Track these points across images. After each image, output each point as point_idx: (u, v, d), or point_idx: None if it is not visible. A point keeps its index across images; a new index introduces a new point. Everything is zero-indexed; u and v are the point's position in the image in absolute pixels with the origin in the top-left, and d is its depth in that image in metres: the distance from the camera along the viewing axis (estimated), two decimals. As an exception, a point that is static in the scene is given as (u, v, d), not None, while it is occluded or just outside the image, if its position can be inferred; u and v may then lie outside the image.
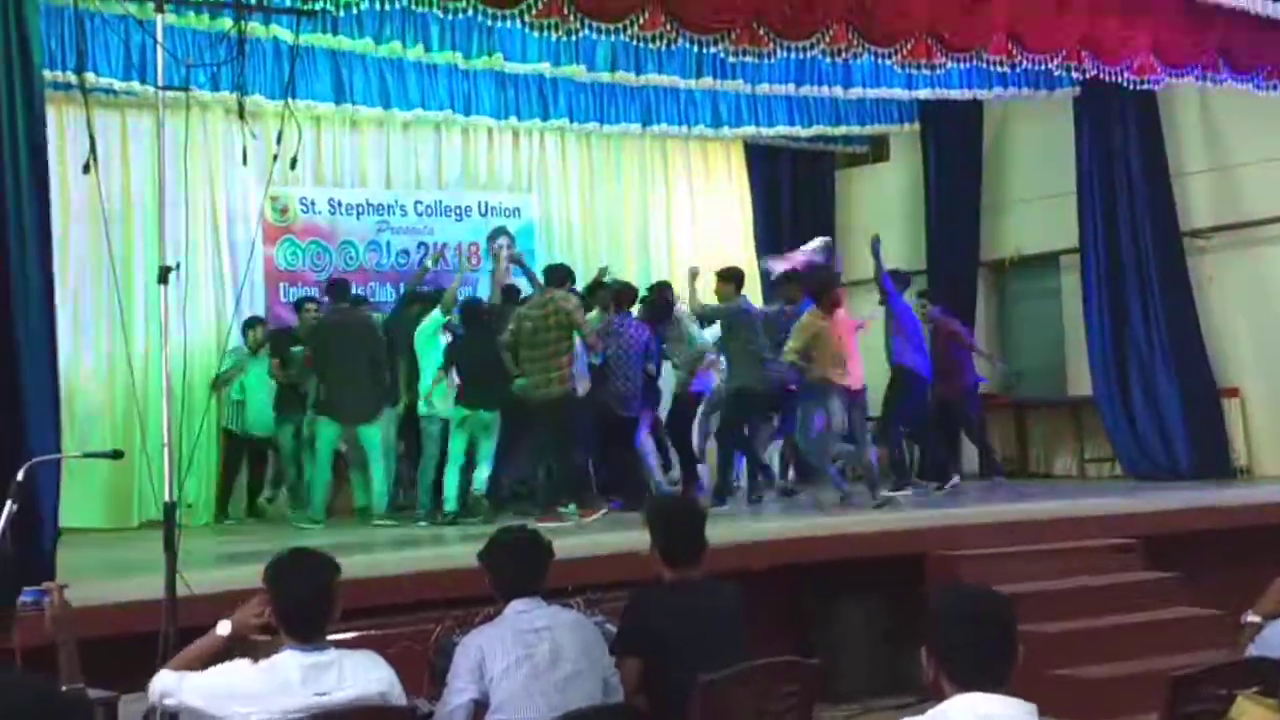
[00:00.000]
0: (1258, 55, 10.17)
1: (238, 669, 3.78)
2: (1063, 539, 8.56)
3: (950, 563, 7.82)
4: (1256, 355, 11.27)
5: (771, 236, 13.90)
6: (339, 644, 3.94)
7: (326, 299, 10.42)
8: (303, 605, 3.86)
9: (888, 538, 8.30)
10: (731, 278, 10.33)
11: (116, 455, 6.22)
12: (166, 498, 5.60)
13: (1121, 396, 11.60)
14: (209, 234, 11.04)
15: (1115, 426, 11.70)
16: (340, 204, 11.91)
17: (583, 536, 7.79)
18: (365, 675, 3.84)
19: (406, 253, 12.03)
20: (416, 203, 12.22)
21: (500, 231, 12.37)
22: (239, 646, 4.00)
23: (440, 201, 12.29)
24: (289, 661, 3.77)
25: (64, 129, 9.93)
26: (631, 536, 6.57)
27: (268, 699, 3.68)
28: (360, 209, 11.99)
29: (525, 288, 10.66)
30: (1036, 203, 12.79)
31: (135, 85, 9.76)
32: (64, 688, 3.82)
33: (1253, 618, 4.92)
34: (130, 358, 8.58)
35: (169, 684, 3.85)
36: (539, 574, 4.42)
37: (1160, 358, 11.42)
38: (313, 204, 11.78)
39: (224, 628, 4.01)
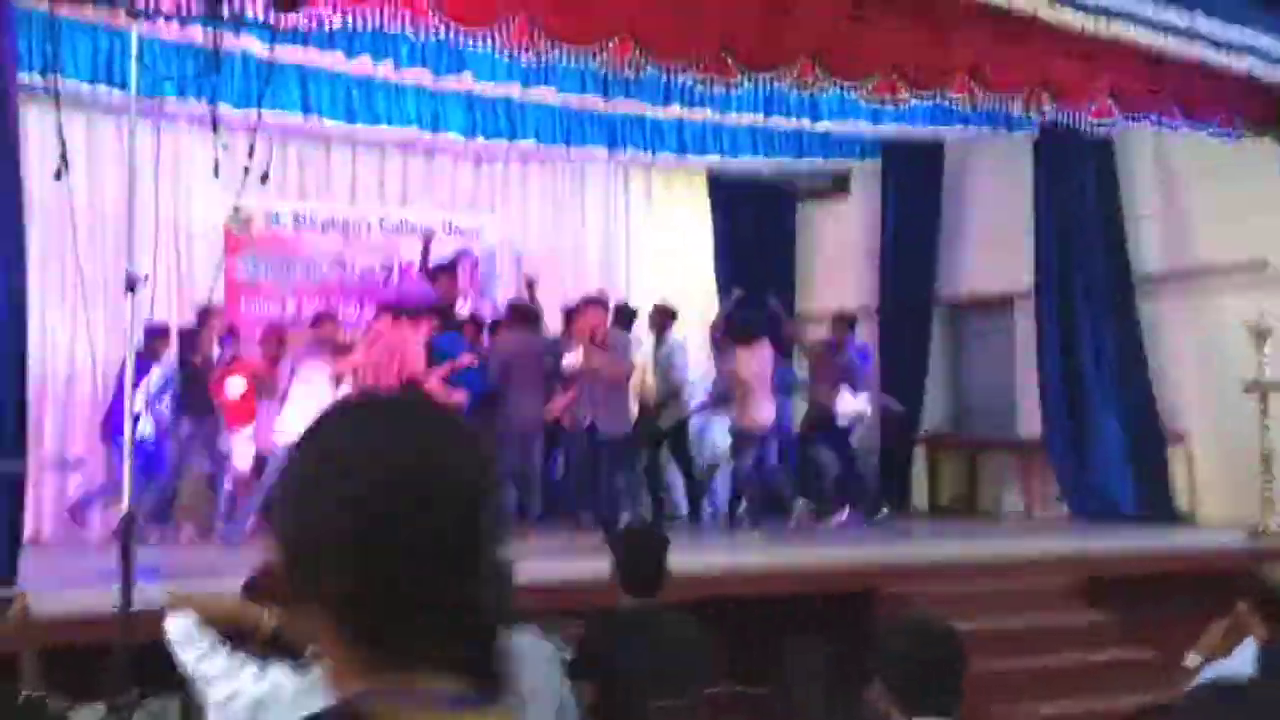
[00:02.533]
0: (1213, 104, 10.37)
1: (244, 683, 3.81)
2: (1009, 579, 8.66)
3: (900, 600, 7.89)
4: (1203, 401, 11.44)
5: (732, 267, 13.99)
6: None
7: None
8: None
9: (839, 575, 8.37)
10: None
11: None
12: (124, 508, 5.59)
13: (1070, 438, 11.74)
14: (169, 243, 10.98)
15: (1063, 467, 11.84)
16: (304, 218, 11.89)
17: (540, 561, 7.80)
18: None
19: (370, 270, 12.01)
20: (381, 220, 12.22)
21: (464, 253, 12.40)
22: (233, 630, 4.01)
23: (405, 220, 12.29)
24: (284, 684, 3.80)
25: (27, 131, 9.85)
26: (591, 565, 6.62)
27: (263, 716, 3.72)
28: (325, 224, 11.98)
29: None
30: (993, 243, 12.94)
31: (102, 90, 9.73)
32: (24, 695, 3.83)
33: (1192, 659, 5.01)
34: (95, 366, 8.54)
35: (215, 665, 3.83)
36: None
37: (1109, 401, 11.57)
38: (277, 217, 11.75)
39: (271, 621, 3.94)
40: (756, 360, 10.45)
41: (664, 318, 11.27)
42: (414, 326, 9.52)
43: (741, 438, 10.46)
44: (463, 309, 11.39)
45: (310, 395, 9.25)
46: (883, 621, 7.42)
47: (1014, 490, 12.86)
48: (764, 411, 10.36)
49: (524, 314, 10.59)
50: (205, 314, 10.13)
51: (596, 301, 10.23)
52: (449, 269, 11.35)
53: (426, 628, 1.23)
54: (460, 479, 1.24)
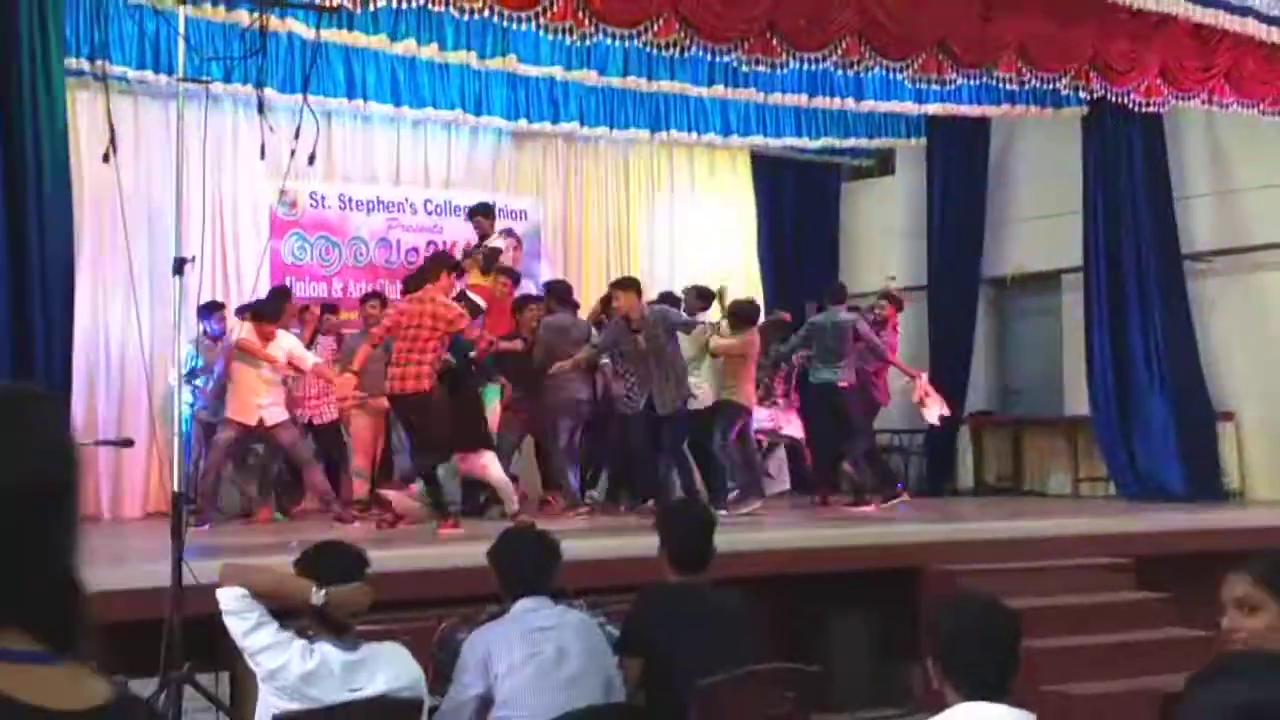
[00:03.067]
0: (1264, 81, 10.26)
1: (293, 655, 3.90)
2: (1057, 557, 8.62)
3: (946, 577, 7.87)
4: (1253, 380, 11.33)
5: (776, 246, 13.99)
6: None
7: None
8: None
9: (885, 551, 8.36)
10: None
11: (127, 444, 6.29)
12: (175, 487, 5.67)
13: (1118, 417, 11.64)
14: (215, 226, 11.08)
15: (1110, 447, 11.75)
16: (350, 200, 11.96)
17: (588, 540, 7.84)
18: (393, 671, 3.96)
19: (416, 250, 12.06)
20: (426, 201, 12.28)
21: (507, 233, 12.41)
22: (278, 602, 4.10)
23: (449, 200, 12.33)
24: (331, 658, 3.87)
25: (77, 115, 9.97)
26: (637, 541, 6.66)
27: (309, 691, 3.83)
28: (370, 205, 12.04)
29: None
30: (1039, 221, 12.85)
31: (149, 75, 9.82)
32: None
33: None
34: (143, 348, 8.62)
35: (263, 638, 3.94)
36: (547, 574, 4.48)
37: (1157, 380, 11.47)
38: (322, 199, 11.82)
39: (318, 598, 4.00)
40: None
41: (702, 300, 11.23)
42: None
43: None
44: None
45: None
46: (932, 598, 7.43)
47: (1061, 469, 12.80)
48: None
49: (563, 293, 10.57)
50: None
51: (629, 283, 10.07)
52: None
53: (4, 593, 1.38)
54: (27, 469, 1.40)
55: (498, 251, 10.70)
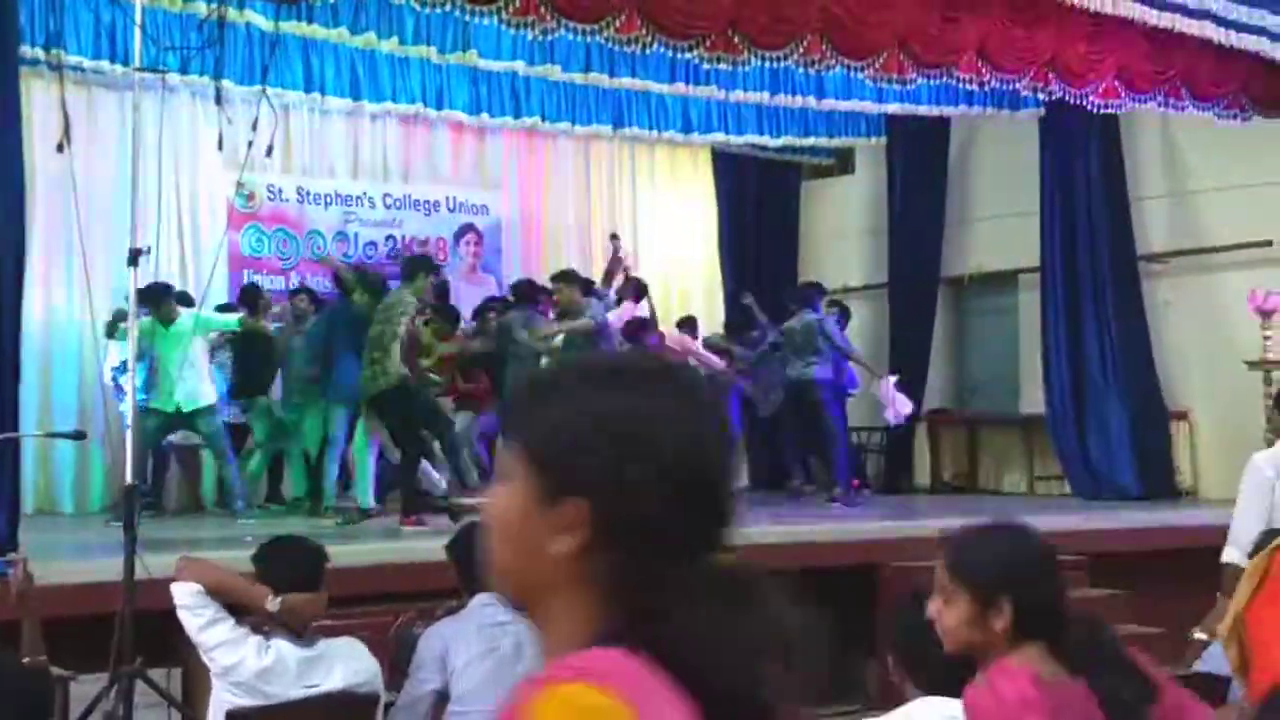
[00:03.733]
0: (1219, 84, 10.35)
1: (248, 652, 3.86)
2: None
3: (903, 575, 7.90)
4: (1206, 380, 11.45)
5: (736, 244, 14.00)
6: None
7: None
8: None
9: (841, 548, 8.38)
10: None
11: (79, 436, 6.22)
12: (127, 479, 5.61)
13: (1073, 416, 11.75)
14: (171, 217, 11.00)
15: (1065, 446, 11.85)
16: (308, 193, 11.88)
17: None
18: (350, 666, 3.94)
19: (374, 245, 12.01)
20: (385, 195, 12.22)
21: (467, 228, 12.40)
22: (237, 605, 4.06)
23: (409, 195, 12.29)
24: (287, 654, 3.85)
25: (31, 105, 9.85)
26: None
27: (265, 688, 3.80)
28: (328, 199, 11.97)
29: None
30: (998, 221, 12.93)
31: (105, 64, 9.72)
32: (26, 660, 3.84)
33: (1200, 635, 5.01)
34: (96, 340, 8.54)
35: (218, 634, 3.90)
36: None
37: (1112, 379, 11.58)
38: (280, 192, 11.74)
39: (274, 604, 3.96)
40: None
41: (637, 291, 11.22)
42: None
43: None
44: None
45: None
46: (889, 596, 7.45)
47: (1016, 468, 12.89)
48: None
49: (521, 292, 10.51)
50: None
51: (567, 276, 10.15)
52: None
53: None
54: None
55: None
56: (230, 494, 9.48)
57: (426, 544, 6.51)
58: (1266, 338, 10.50)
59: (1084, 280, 11.69)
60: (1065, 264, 11.79)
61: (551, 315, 10.25)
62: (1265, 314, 10.47)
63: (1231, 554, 5.25)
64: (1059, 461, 12.04)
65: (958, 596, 2.57)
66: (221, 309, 10.22)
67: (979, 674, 2.56)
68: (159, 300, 8.85)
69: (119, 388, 9.39)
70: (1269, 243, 10.87)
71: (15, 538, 6.16)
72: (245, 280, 11.30)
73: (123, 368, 9.43)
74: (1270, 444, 6.00)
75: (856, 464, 11.96)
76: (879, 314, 13.25)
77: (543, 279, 11.38)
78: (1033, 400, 12.43)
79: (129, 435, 5.81)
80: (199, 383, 9.10)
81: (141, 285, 7.70)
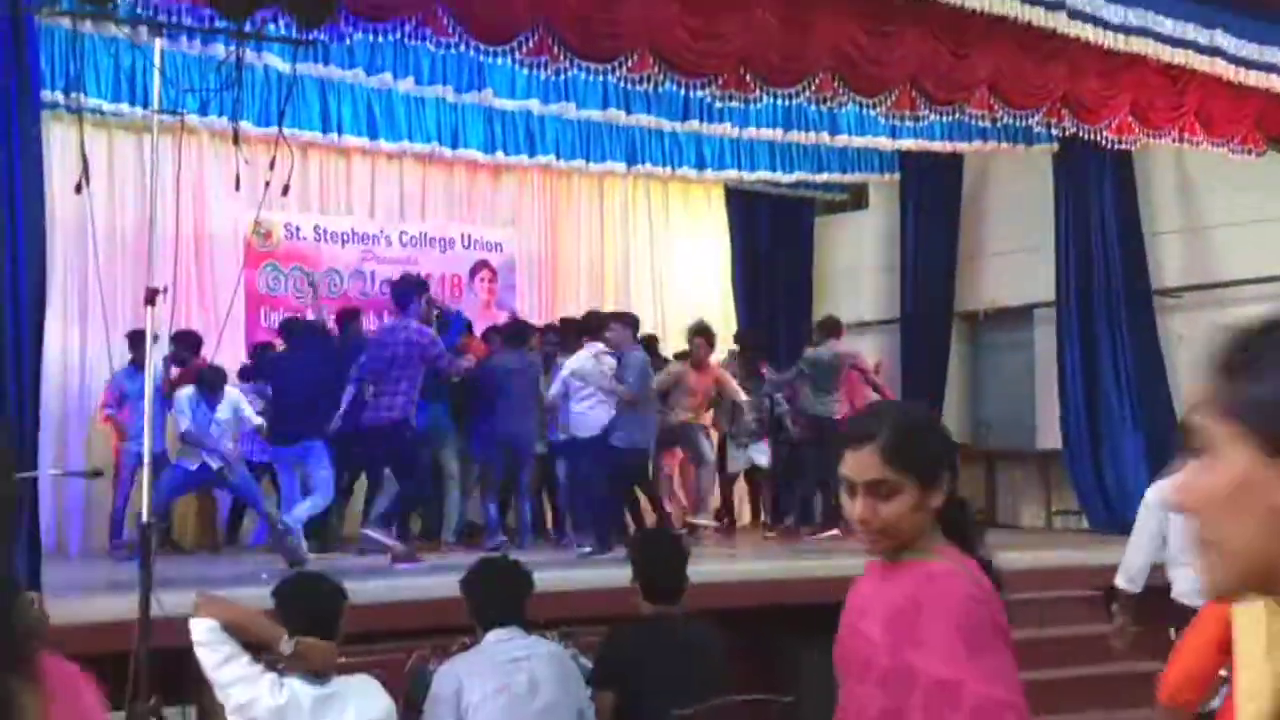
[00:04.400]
0: (1232, 119, 10.37)
1: (263, 690, 3.86)
2: (1030, 590, 8.63)
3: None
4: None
5: (750, 279, 14.04)
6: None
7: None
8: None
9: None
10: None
11: (95, 474, 6.25)
12: (144, 517, 5.64)
13: (1090, 450, 11.72)
14: (190, 256, 11.09)
15: (1082, 480, 11.81)
16: (325, 231, 11.96)
17: (559, 571, 7.82)
18: (364, 703, 3.94)
19: (390, 282, 12.06)
20: (401, 233, 12.29)
21: (482, 265, 12.45)
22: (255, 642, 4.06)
23: (425, 233, 12.35)
24: (301, 693, 3.85)
25: (50, 147, 9.95)
26: (608, 573, 6.65)
27: None
28: (345, 237, 12.04)
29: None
30: (1012, 255, 12.94)
31: (124, 107, 9.83)
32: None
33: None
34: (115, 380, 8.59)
35: (233, 671, 3.91)
36: (519, 604, 4.47)
37: (1129, 413, 11.55)
38: (297, 230, 11.82)
39: (288, 647, 3.97)
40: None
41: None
42: None
43: None
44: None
45: None
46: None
47: (1034, 502, 12.84)
48: None
49: (516, 332, 10.53)
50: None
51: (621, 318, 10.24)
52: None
53: None
54: None
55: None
56: (282, 537, 8.85)
57: (441, 580, 6.51)
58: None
59: (1099, 315, 11.68)
60: (1080, 298, 11.79)
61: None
62: None
63: (1120, 580, 6.05)
64: (1076, 496, 12.00)
65: (907, 486, 2.56)
66: (262, 348, 10.24)
67: (911, 557, 2.59)
68: (216, 387, 8.93)
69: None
70: (1284, 277, 10.85)
71: (39, 577, 6.19)
72: (263, 319, 11.38)
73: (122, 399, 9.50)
74: None
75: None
76: (893, 349, 13.25)
77: (556, 315, 11.44)
78: (1049, 435, 12.39)
79: (145, 473, 5.84)
80: (228, 442, 9.15)
81: (207, 365, 7.81)
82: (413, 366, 8.74)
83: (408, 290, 9.11)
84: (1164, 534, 5.95)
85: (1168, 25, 9.20)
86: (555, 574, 7.33)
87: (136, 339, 9.19)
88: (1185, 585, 5.80)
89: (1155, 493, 6.01)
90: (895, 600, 2.54)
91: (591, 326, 10.28)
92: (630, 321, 10.03)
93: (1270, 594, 1.29)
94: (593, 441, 9.66)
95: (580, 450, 9.90)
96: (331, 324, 10.44)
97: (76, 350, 10.56)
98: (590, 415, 9.75)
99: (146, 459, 5.90)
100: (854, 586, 2.78)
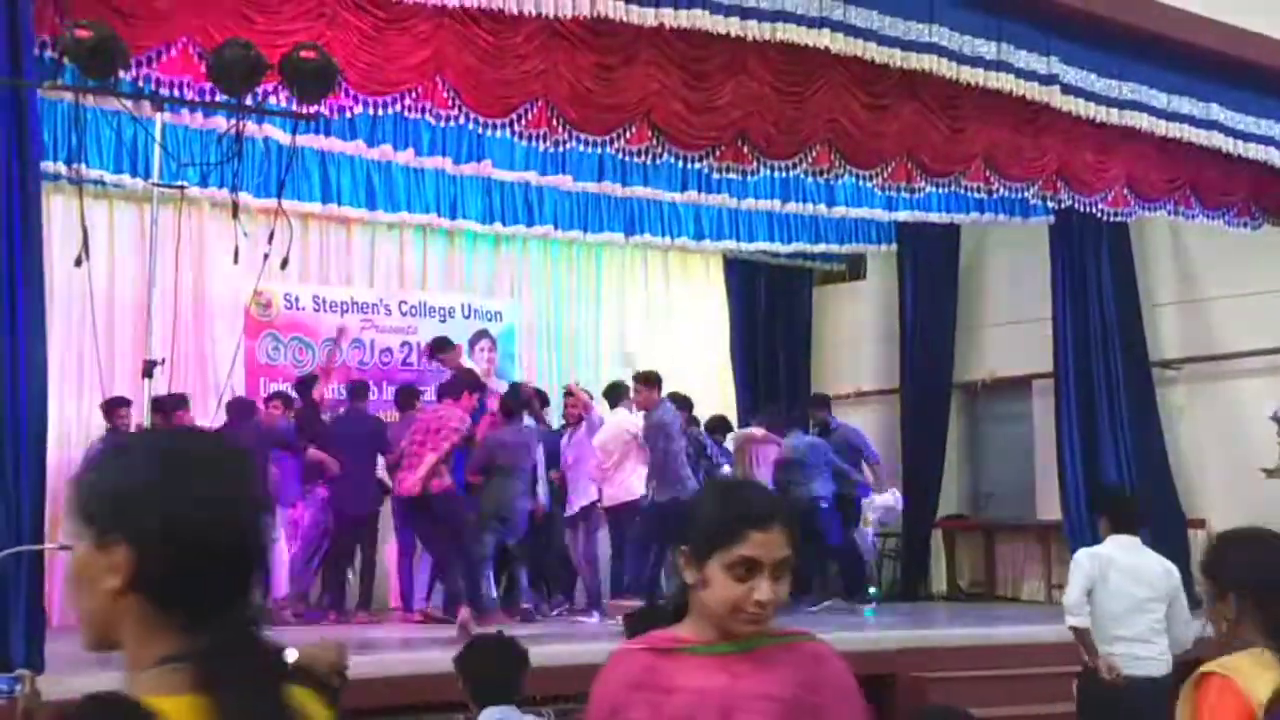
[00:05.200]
0: (1228, 192, 10.43)
1: None
2: (1031, 665, 8.56)
3: (920, 685, 7.82)
4: (1224, 487, 11.37)
5: (749, 349, 14.06)
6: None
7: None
8: None
9: (859, 658, 8.28)
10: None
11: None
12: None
13: (1089, 522, 11.63)
14: (190, 326, 11.10)
15: (1083, 552, 11.73)
16: (324, 301, 11.96)
17: (556, 645, 7.76)
18: None
19: (390, 351, 12.07)
20: (401, 302, 12.29)
21: (482, 334, 12.46)
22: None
23: (424, 302, 12.37)
24: None
25: (51, 218, 9.99)
26: (601, 647, 6.56)
27: None
28: (344, 306, 12.05)
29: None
30: (1010, 327, 12.96)
31: (126, 179, 9.89)
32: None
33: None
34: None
35: None
36: (514, 682, 4.43)
37: (1128, 485, 11.50)
38: (296, 300, 11.83)
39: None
40: None
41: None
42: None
43: None
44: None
45: None
46: (904, 709, 7.36)
47: (1034, 575, 12.76)
48: None
49: (509, 406, 10.53)
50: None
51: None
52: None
53: None
54: None
55: None
56: None
57: (438, 655, 6.46)
58: (1283, 446, 10.46)
59: (1098, 386, 11.67)
60: (1079, 369, 11.78)
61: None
62: (1281, 420, 10.42)
63: (1071, 620, 6.46)
64: (1077, 568, 11.91)
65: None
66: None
67: (772, 642, 2.46)
68: None
69: None
70: (1283, 349, 10.88)
71: (40, 655, 6.10)
72: (262, 389, 11.36)
73: None
74: None
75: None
76: (891, 419, 13.24)
77: (555, 384, 11.42)
78: (1049, 506, 12.34)
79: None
80: None
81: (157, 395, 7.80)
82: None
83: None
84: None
85: (1161, 99, 9.28)
86: (549, 649, 7.28)
87: (109, 407, 9.46)
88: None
89: (1086, 555, 6.67)
90: (782, 692, 2.38)
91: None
92: (654, 380, 10.14)
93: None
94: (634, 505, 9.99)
95: (625, 515, 10.10)
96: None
97: (74, 421, 10.53)
98: (630, 481, 10.05)
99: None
100: (654, 686, 2.42)
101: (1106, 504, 7.15)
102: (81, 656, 6.60)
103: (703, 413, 11.77)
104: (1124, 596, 6.36)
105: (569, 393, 11.13)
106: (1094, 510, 8.07)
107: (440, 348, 11.32)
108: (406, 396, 10.91)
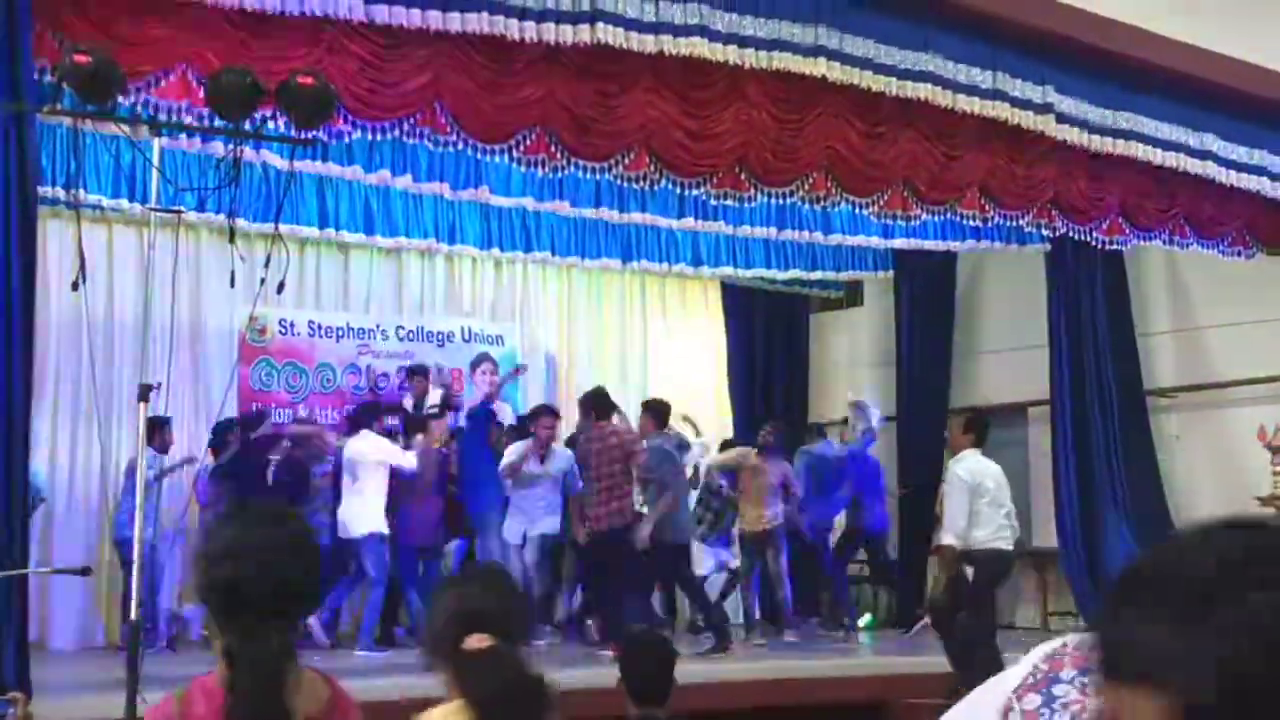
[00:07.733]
0: (1222, 222, 10.47)
1: None
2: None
3: (913, 712, 7.80)
4: (1219, 514, 11.33)
5: (746, 375, 14.06)
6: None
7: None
8: None
9: (849, 684, 8.29)
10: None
11: (85, 572, 6.22)
12: (132, 615, 5.58)
13: (1085, 549, 11.66)
14: (186, 351, 11.10)
15: (1078, 580, 11.73)
16: (320, 326, 11.94)
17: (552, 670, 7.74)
18: None
19: (386, 376, 12.04)
20: (398, 327, 12.29)
21: (483, 358, 12.45)
22: None
23: (422, 327, 12.37)
24: None
25: (46, 243, 10.01)
26: (593, 673, 6.58)
27: None
28: (340, 332, 12.04)
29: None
30: (1006, 354, 12.98)
31: (123, 203, 9.91)
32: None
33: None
34: (106, 474, 8.57)
35: None
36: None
37: (1123, 513, 11.51)
38: (292, 325, 11.81)
39: None
40: None
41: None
42: None
43: None
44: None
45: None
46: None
47: (1029, 602, 12.74)
48: None
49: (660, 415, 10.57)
50: None
51: (548, 409, 10.53)
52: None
53: None
54: None
55: None
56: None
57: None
58: (1276, 473, 10.46)
59: (1093, 414, 11.69)
60: (1074, 397, 11.80)
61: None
62: (1275, 450, 10.44)
63: (946, 537, 7.65)
64: (1072, 596, 11.92)
65: None
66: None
67: None
68: None
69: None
70: (1278, 378, 10.88)
71: (28, 676, 6.10)
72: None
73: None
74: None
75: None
76: (889, 445, 13.23)
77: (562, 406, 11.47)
78: (1044, 533, 12.33)
79: (134, 569, 5.80)
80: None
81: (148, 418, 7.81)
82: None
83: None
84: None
85: (1155, 128, 9.33)
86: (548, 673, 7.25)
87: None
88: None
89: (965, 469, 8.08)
90: None
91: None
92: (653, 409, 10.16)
93: None
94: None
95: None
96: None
97: (67, 445, 10.52)
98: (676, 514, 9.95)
99: (136, 552, 5.86)
100: None
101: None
102: (55, 676, 6.54)
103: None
104: None
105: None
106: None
107: (411, 374, 11.38)
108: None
